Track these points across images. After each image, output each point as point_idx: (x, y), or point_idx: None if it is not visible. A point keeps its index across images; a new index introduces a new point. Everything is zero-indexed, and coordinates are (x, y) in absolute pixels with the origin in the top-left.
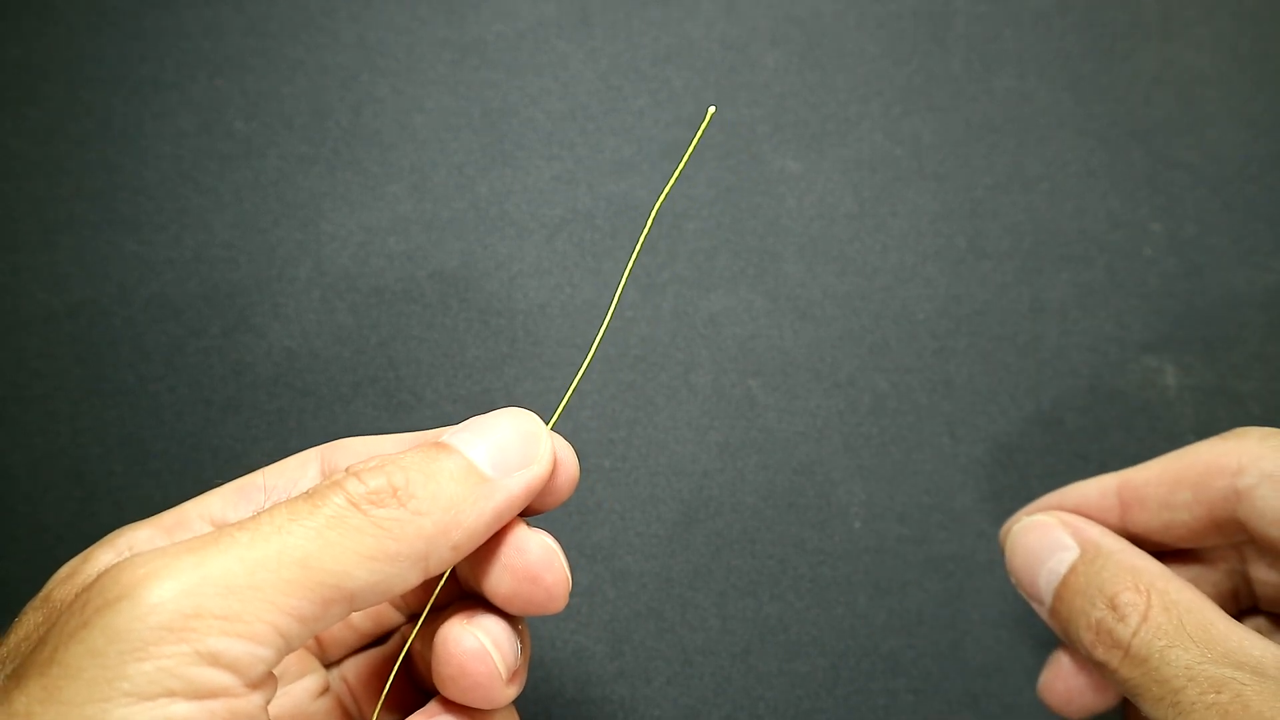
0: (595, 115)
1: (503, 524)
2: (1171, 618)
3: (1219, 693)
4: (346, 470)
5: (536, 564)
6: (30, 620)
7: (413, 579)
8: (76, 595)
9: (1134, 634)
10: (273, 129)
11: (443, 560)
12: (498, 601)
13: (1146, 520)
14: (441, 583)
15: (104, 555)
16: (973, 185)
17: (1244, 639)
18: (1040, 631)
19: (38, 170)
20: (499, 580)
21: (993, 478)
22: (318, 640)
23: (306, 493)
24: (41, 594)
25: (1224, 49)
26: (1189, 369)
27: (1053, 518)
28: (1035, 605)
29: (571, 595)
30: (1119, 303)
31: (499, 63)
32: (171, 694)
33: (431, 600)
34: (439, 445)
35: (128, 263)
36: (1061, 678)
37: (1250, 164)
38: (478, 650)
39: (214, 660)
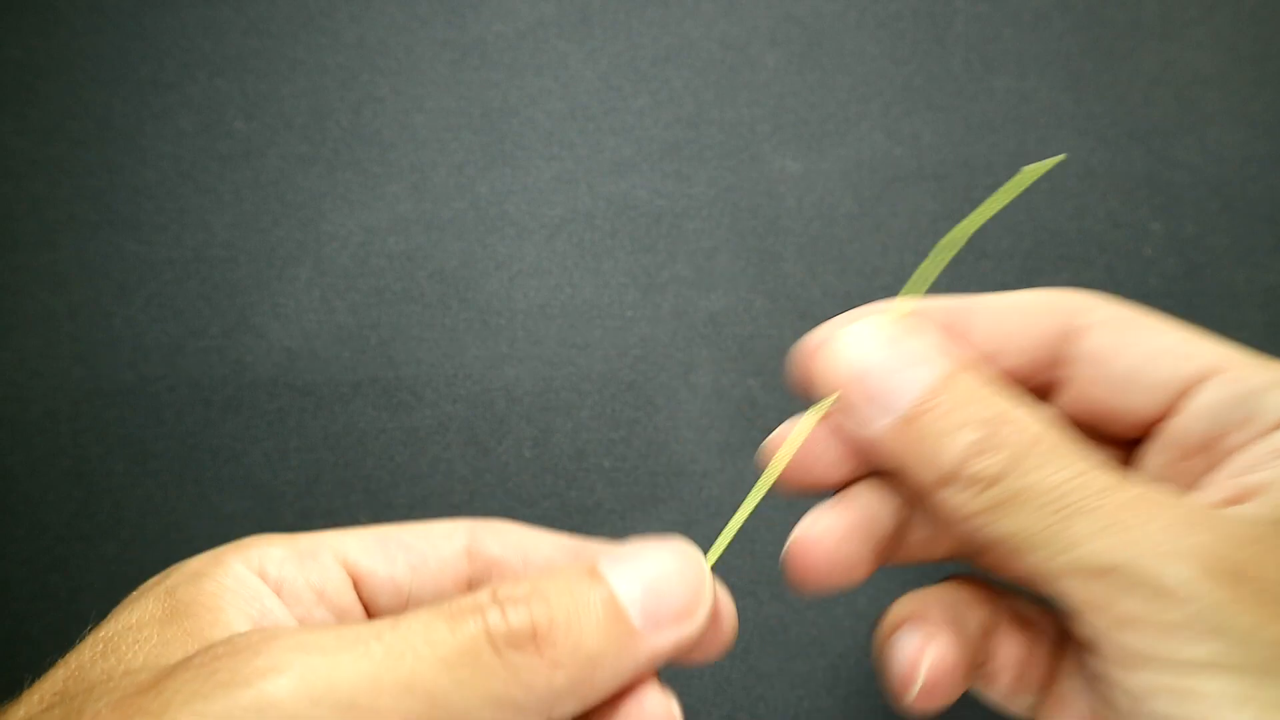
0: (595, 115)
1: (640, 679)
2: (1062, 446)
3: (1132, 501)
4: (491, 594)
5: None
6: (148, 609)
7: None
8: (207, 651)
9: (1027, 446)
10: (273, 129)
11: (566, 713)
12: None
13: (971, 348)
14: None
15: (234, 563)
16: (973, 185)
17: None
18: None
19: (38, 170)
20: None
21: None
22: None
23: (446, 610)
24: (165, 585)
25: (1224, 49)
26: None
27: (915, 321)
28: (864, 412)
29: None
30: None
31: (499, 63)
32: None
33: None
34: (591, 574)
35: (128, 263)
36: (835, 534)
37: (1250, 164)
38: None
39: None
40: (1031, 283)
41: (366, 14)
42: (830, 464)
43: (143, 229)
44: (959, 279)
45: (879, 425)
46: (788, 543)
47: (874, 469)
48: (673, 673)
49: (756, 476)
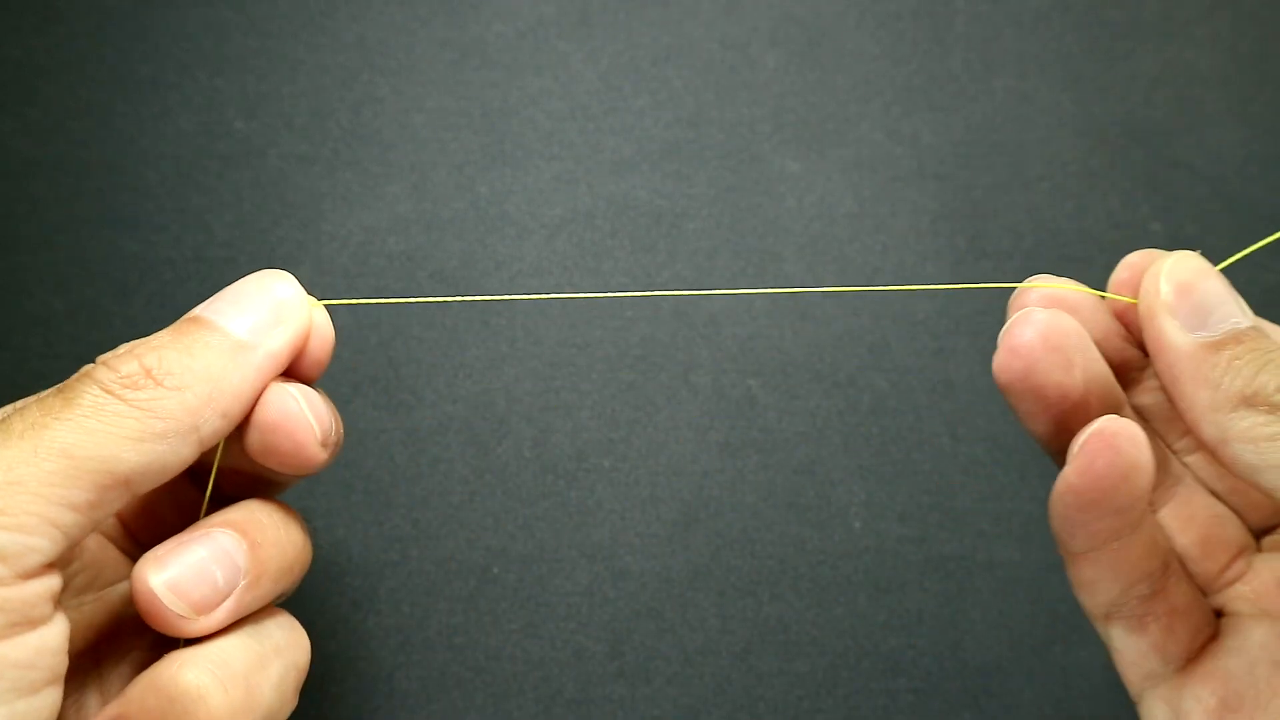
0: (595, 115)
1: (268, 383)
2: None
3: None
4: (97, 360)
5: (277, 414)
6: None
7: (187, 453)
8: None
9: None
10: (273, 129)
11: (215, 429)
12: (255, 458)
13: None
14: (220, 450)
15: None
16: (973, 185)
17: None
18: (1040, 633)
19: (38, 170)
20: (250, 437)
21: (993, 478)
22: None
23: (58, 387)
24: None
25: (1224, 49)
26: None
27: None
28: (1162, 317)
29: (571, 595)
30: None
31: (499, 63)
32: None
33: (216, 464)
34: (191, 320)
35: (128, 263)
36: (1062, 324)
37: (1250, 164)
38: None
39: None
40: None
41: (366, 14)
42: (1073, 346)
43: (143, 229)
44: (959, 278)
45: (1189, 338)
46: (1014, 318)
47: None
48: (671, 672)
49: (756, 475)
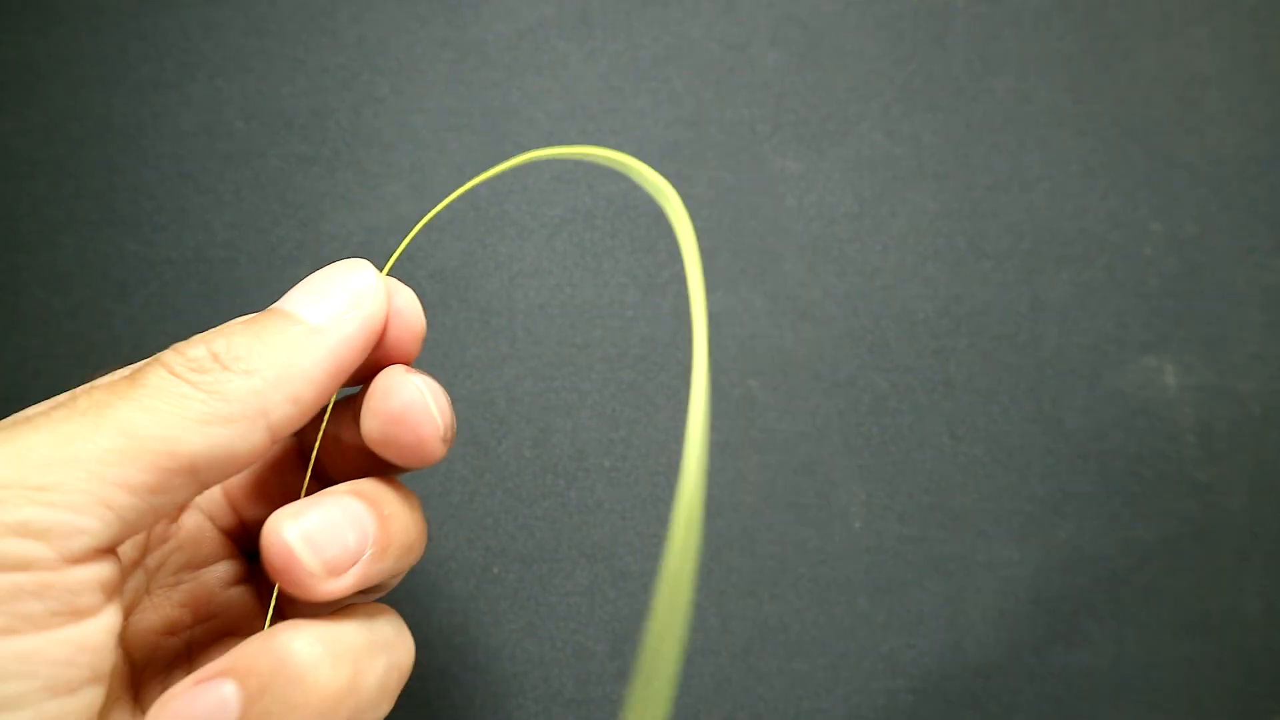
0: (595, 115)
1: (346, 369)
2: None
3: None
4: (170, 348)
5: (398, 407)
6: None
7: (256, 439)
8: None
9: None
10: (273, 129)
11: (286, 415)
12: (373, 447)
13: None
14: (321, 433)
15: None
16: (973, 185)
17: None
18: (1040, 633)
19: (38, 170)
20: (368, 424)
21: (993, 478)
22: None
23: (127, 372)
24: None
25: (1224, 49)
26: (1189, 369)
27: None
28: None
29: (571, 595)
30: (1119, 303)
31: (499, 63)
32: None
33: (319, 442)
34: (268, 311)
35: (128, 263)
36: None
37: (1250, 164)
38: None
39: (23, 530)
40: (1032, 283)
41: (366, 14)
42: None
43: (143, 229)
44: (959, 278)
45: None
46: None
47: None
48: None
49: (756, 475)
